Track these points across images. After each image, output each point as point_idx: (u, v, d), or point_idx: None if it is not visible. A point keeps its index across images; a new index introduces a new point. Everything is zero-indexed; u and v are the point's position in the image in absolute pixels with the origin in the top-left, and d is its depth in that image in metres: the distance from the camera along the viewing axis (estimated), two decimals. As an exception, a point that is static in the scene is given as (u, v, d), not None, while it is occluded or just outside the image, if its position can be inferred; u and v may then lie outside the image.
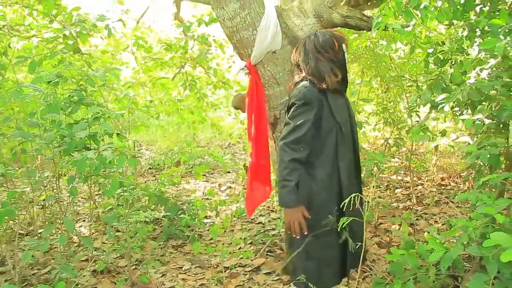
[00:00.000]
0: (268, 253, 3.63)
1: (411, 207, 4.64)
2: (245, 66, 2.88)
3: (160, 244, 3.94)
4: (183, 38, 5.24)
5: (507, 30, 2.66)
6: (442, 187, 5.44)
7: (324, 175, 2.35)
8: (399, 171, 5.82)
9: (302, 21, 2.93)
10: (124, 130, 4.01)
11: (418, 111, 4.11)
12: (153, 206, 4.23)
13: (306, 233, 2.35)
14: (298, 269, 2.45)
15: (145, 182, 5.32)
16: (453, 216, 4.38)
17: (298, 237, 2.35)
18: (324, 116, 2.31)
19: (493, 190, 3.30)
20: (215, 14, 2.90)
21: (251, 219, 4.52)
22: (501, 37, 2.96)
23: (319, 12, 2.93)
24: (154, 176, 6.61)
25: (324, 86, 2.31)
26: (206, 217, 4.63)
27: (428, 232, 3.64)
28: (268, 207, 4.85)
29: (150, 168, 7.02)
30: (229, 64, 5.99)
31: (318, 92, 2.31)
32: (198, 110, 6.50)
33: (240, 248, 3.83)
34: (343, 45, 2.38)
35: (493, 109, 3.09)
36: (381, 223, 4.22)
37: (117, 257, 3.64)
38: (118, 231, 3.89)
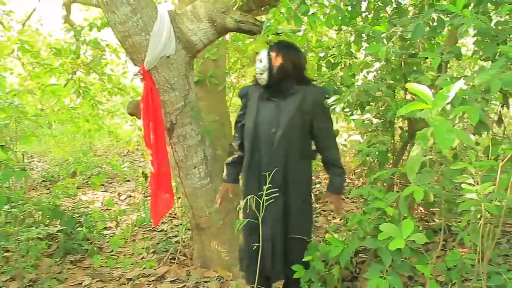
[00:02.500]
0: (172, 261, 3.57)
1: (343, 197, 4.80)
2: (138, 72, 2.82)
3: (56, 261, 3.72)
4: (74, 42, 5.00)
5: (388, 36, 2.86)
6: (339, 184, 5.70)
7: (246, 165, 2.62)
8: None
9: (196, 25, 2.93)
10: (11, 141, 3.74)
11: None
12: (48, 221, 3.99)
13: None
14: None
15: (38, 195, 5.01)
16: (349, 211, 4.62)
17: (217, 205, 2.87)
18: (247, 112, 2.59)
19: (384, 184, 3.51)
20: (106, 18, 2.81)
21: (153, 227, 4.43)
22: (385, 41, 3.18)
23: (212, 17, 2.95)
24: (48, 189, 6.25)
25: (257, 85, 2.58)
26: (105, 228, 4.45)
27: (327, 231, 3.81)
28: (170, 213, 4.78)
29: (43, 181, 6.63)
30: (125, 70, 5.82)
31: (249, 90, 2.63)
32: (93, 117, 6.25)
33: (142, 258, 3.74)
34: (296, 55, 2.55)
35: (379, 109, 3.30)
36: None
37: (7, 279, 3.37)
38: (7, 251, 3.61)
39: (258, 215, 2.28)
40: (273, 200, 2.27)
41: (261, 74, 2.53)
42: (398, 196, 2.31)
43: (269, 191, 2.24)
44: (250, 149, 2.55)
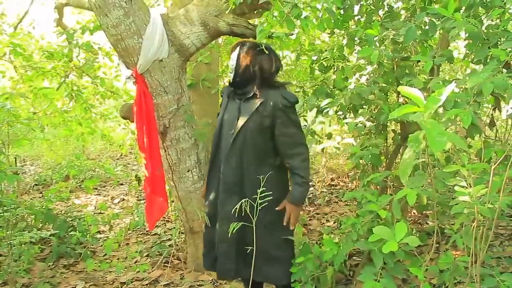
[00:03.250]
0: (165, 264, 3.56)
1: (303, 208, 4.81)
2: (131, 75, 2.81)
3: (49, 265, 3.70)
4: (66, 45, 4.99)
5: (381, 39, 2.87)
6: (332, 187, 5.72)
7: (209, 163, 2.63)
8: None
9: (189, 29, 2.93)
10: (3, 145, 3.72)
11: (306, 116, 4.29)
12: (41, 225, 3.97)
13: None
14: None
15: (31, 199, 4.98)
16: (342, 214, 4.63)
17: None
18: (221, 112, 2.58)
19: (377, 187, 3.52)
20: (99, 21, 2.80)
21: (146, 231, 4.42)
22: (377, 44, 3.20)
23: (205, 20, 2.95)
24: (41, 192, 6.21)
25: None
26: (99, 232, 4.44)
27: (321, 233, 3.81)
28: (164, 217, 4.76)
29: (36, 185, 6.59)
30: (118, 73, 5.80)
31: (226, 90, 2.63)
32: (86, 121, 6.22)
33: (136, 262, 3.72)
34: (232, 53, 2.52)
35: (372, 112, 3.31)
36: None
37: (0, 284, 3.35)
38: (0, 255, 3.59)
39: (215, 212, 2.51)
40: (227, 199, 2.44)
41: (231, 72, 2.53)
42: (392, 199, 2.32)
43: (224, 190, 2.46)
44: (213, 147, 2.56)
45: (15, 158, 5.65)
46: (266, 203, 2.28)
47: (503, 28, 2.24)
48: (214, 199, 2.55)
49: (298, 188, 2.46)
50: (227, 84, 2.74)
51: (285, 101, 2.40)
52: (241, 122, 2.42)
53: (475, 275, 2.02)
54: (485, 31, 2.31)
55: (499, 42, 2.21)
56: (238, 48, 2.51)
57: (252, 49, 2.48)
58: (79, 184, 6.47)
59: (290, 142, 2.44)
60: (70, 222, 4.10)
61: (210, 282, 3.25)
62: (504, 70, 2.10)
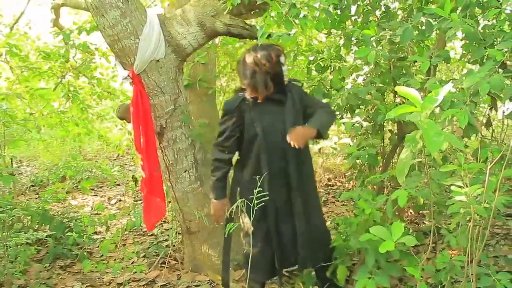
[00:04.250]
0: (162, 265, 3.55)
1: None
2: (128, 76, 2.81)
3: (46, 266, 3.68)
4: (63, 46, 4.97)
5: (378, 40, 2.88)
6: (329, 187, 5.72)
7: (248, 178, 2.55)
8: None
9: (185, 29, 2.93)
10: (-2, 146, 3.71)
11: (303, 115, 4.29)
12: (37, 226, 3.95)
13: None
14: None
15: (27, 200, 4.96)
16: (339, 214, 4.63)
17: (217, 224, 2.79)
18: (245, 124, 2.51)
19: (374, 187, 3.53)
20: (95, 22, 2.80)
21: (143, 232, 4.41)
22: (374, 44, 3.20)
23: (202, 21, 2.95)
24: (37, 193, 6.19)
25: (254, 96, 2.49)
26: (95, 233, 4.43)
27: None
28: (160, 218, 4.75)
29: (32, 186, 6.56)
30: (114, 74, 5.79)
31: (241, 103, 2.51)
32: (83, 121, 6.21)
33: (133, 263, 3.71)
34: (281, 57, 2.48)
35: (369, 112, 3.32)
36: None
37: (-4, 285, 3.35)
38: (-4, 256, 3.58)
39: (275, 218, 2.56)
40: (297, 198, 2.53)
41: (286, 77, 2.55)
42: (387, 199, 2.33)
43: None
44: (259, 158, 2.51)
45: (11, 159, 5.64)
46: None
47: (499, 29, 2.25)
48: (279, 203, 2.56)
49: (325, 116, 2.57)
50: (222, 83, 2.73)
51: (300, 84, 2.69)
52: (290, 124, 2.45)
53: (471, 274, 2.03)
54: (482, 31, 2.31)
55: (495, 43, 2.22)
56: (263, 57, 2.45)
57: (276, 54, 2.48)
58: (75, 185, 6.45)
59: (317, 101, 2.77)
60: (67, 223, 4.09)
61: (207, 283, 3.25)
62: (500, 70, 2.11)
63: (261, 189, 2.29)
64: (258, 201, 2.27)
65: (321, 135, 2.45)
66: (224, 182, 2.66)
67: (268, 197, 2.34)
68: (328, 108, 2.71)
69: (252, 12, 3.27)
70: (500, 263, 3.04)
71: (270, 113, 2.51)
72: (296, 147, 2.31)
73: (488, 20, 2.45)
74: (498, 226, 3.74)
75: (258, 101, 2.50)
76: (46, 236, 3.63)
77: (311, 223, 2.59)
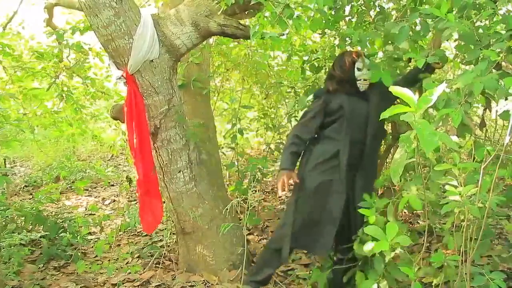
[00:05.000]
0: (157, 265, 3.54)
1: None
2: (122, 76, 2.80)
3: (39, 267, 3.66)
4: (56, 46, 4.94)
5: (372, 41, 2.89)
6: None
7: (322, 154, 2.75)
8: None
9: (179, 29, 2.92)
10: (-9, 146, 3.69)
11: (297, 116, 4.29)
12: (31, 226, 3.93)
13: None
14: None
15: (20, 201, 4.94)
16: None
17: (280, 193, 2.88)
18: (331, 108, 2.74)
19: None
20: (89, 22, 2.79)
21: (138, 232, 4.40)
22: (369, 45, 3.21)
23: (196, 21, 2.94)
24: (31, 194, 6.16)
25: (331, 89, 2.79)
26: (89, 233, 4.40)
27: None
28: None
29: (26, 186, 6.53)
30: (108, 73, 5.76)
31: (328, 92, 2.81)
32: (77, 122, 6.18)
33: (127, 263, 3.70)
34: (357, 63, 2.75)
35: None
36: (267, 226, 4.33)
37: (-11, 286, 3.33)
38: (-11, 257, 3.55)
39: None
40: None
41: (365, 80, 2.75)
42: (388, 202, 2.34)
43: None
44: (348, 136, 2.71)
45: (5, 159, 5.62)
46: None
47: (494, 30, 2.26)
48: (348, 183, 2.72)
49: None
50: (216, 84, 2.80)
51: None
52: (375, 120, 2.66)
53: (465, 273, 2.04)
54: (477, 32, 2.32)
55: (490, 44, 2.23)
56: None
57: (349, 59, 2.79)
58: (69, 185, 6.42)
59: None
60: (61, 223, 4.07)
61: (202, 283, 3.24)
62: (494, 71, 2.11)
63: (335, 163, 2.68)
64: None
65: None
66: (296, 157, 2.80)
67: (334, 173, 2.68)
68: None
69: (246, 12, 3.26)
70: (493, 262, 3.05)
71: (355, 101, 2.73)
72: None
73: (481, 21, 2.45)
74: (491, 225, 3.75)
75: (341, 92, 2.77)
76: (40, 237, 3.61)
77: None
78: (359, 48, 2.91)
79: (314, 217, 2.74)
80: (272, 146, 4.58)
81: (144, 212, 3.11)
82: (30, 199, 5.65)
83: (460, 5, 2.32)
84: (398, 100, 2.66)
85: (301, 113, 3.45)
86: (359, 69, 2.74)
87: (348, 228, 2.74)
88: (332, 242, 2.76)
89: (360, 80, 2.74)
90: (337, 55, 2.94)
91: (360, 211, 2.41)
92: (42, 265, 3.72)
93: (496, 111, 2.13)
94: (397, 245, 2.07)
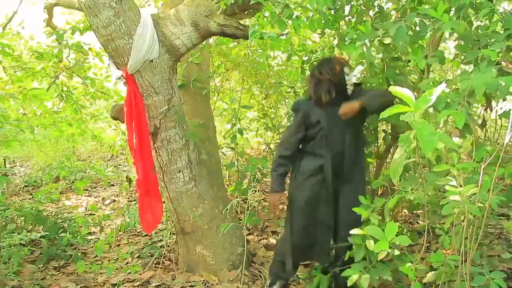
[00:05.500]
0: (157, 265, 3.54)
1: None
2: (122, 76, 2.80)
3: (39, 267, 3.66)
4: (56, 46, 4.94)
5: (371, 39, 2.88)
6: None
7: (307, 170, 2.79)
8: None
9: (179, 29, 2.92)
10: (-9, 146, 3.69)
11: (297, 116, 4.29)
12: (30, 226, 3.93)
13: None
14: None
15: (20, 201, 4.94)
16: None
17: (272, 216, 3.02)
18: (311, 122, 2.76)
19: (369, 187, 3.53)
20: (89, 22, 2.79)
21: (138, 232, 4.40)
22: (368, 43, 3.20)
23: (196, 21, 2.94)
24: (30, 194, 6.16)
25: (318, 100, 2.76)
26: (89, 233, 4.41)
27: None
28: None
29: (26, 186, 6.53)
30: (108, 73, 5.76)
31: (308, 103, 2.82)
32: (77, 122, 6.18)
33: (127, 263, 3.70)
34: (345, 68, 2.77)
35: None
36: (267, 226, 4.33)
37: (-11, 286, 3.32)
38: (-11, 258, 3.55)
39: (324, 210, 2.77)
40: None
41: (351, 85, 2.80)
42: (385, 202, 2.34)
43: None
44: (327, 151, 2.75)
45: (4, 159, 5.61)
46: None
47: (492, 30, 2.26)
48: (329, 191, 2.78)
49: (374, 92, 2.95)
50: (216, 84, 2.81)
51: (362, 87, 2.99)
52: (351, 126, 2.76)
53: (465, 273, 2.04)
54: (475, 32, 2.32)
55: (488, 43, 2.23)
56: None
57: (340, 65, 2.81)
58: (69, 185, 6.42)
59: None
60: (61, 223, 4.07)
61: (202, 283, 3.24)
62: (494, 71, 2.11)
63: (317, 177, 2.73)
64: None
65: (367, 107, 2.64)
66: (284, 177, 2.87)
67: (321, 186, 2.73)
68: (382, 90, 2.90)
69: (246, 12, 3.26)
70: (493, 262, 3.05)
71: (333, 113, 2.68)
72: (343, 118, 2.61)
73: (481, 21, 2.45)
74: (491, 225, 3.75)
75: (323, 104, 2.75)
76: (40, 237, 3.61)
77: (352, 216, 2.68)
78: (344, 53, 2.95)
79: (309, 230, 2.82)
80: (272, 146, 4.58)
81: (143, 212, 3.12)
82: (30, 199, 5.65)
83: (458, 5, 2.32)
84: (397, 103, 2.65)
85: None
86: (346, 74, 2.78)
87: (337, 234, 2.85)
88: (329, 248, 2.87)
89: (347, 85, 2.78)
90: (320, 61, 2.94)
91: (355, 209, 2.45)
92: (42, 265, 3.72)
93: (496, 111, 2.13)
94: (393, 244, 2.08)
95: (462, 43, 2.40)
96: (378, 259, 2.24)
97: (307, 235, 2.83)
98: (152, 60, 2.84)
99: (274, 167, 2.86)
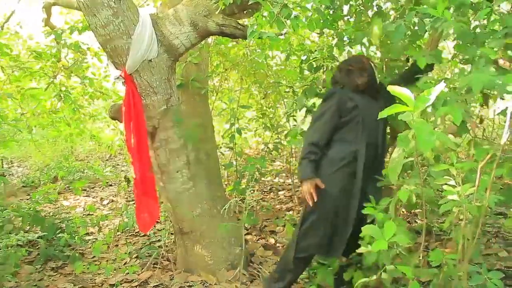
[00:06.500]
0: (155, 266, 3.54)
1: (293, 208, 4.82)
2: (120, 75, 2.79)
3: (37, 268, 3.65)
4: (54, 46, 4.94)
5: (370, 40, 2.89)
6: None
7: (338, 158, 2.68)
8: (281, 174, 6.02)
9: (178, 29, 2.92)
10: (-12, 147, 3.68)
11: (295, 116, 4.29)
12: (28, 227, 3.92)
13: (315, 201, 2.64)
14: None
15: (18, 201, 4.92)
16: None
17: (311, 203, 2.63)
18: (347, 108, 2.68)
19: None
20: (87, 21, 2.78)
21: (136, 232, 4.39)
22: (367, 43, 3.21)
23: (194, 21, 2.94)
24: (28, 194, 6.15)
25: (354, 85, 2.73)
26: (87, 234, 4.40)
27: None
28: (153, 218, 4.73)
29: (23, 186, 6.53)
30: (107, 73, 5.75)
31: (342, 90, 2.76)
32: (75, 122, 6.17)
33: (125, 263, 3.69)
34: (370, 63, 2.78)
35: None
36: (265, 226, 4.33)
37: (-14, 288, 3.31)
38: (-14, 258, 3.54)
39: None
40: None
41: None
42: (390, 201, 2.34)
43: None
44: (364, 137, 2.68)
45: (2, 159, 5.60)
46: None
47: (491, 29, 2.27)
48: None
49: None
50: (214, 83, 2.76)
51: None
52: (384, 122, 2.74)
53: (463, 272, 2.04)
54: (473, 31, 2.32)
55: (486, 42, 2.23)
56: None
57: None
58: (67, 185, 6.41)
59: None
60: (58, 224, 4.06)
61: (200, 283, 3.24)
62: (492, 69, 2.12)
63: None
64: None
65: None
66: (316, 164, 2.68)
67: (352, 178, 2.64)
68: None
69: (245, 12, 3.26)
70: (491, 261, 3.06)
71: (369, 101, 2.70)
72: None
73: (480, 21, 2.46)
74: (489, 224, 3.76)
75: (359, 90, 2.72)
76: (38, 238, 3.60)
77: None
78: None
79: (335, 223, 2.71)
80: (271, 146, 4.58)
81: (140, 211, 3.11)
82: (27, 199, 5.64)
83: (457, 4, 2.32)
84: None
85: (298, 113, 3.45)
86: (375, 67, 2.80)
87: (358, 229, 2.72)
88: (345, 242, 2.72)
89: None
90: (347, 58, 2.98)
91: (366, 209, 2.40)
92: (40, 266, 3.71)
93: (494, 110, 2.13)
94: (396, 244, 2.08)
95: (461, 42, 2.40)
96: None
97: (331, 230, 2.71)
98: (150, 60, 2.83)
99: (304, 155, 2.68)
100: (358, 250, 2.23)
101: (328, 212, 2.68)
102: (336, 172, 2.66)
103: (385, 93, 2.67)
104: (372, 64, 2.78)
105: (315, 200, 2.60)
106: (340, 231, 2.70)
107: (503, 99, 1.86)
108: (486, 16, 2.23)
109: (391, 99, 2.57)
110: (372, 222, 2.39)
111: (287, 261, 2.90)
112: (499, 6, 2.25)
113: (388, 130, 3.55)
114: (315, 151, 2.67)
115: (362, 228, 2.46)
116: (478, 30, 2.35)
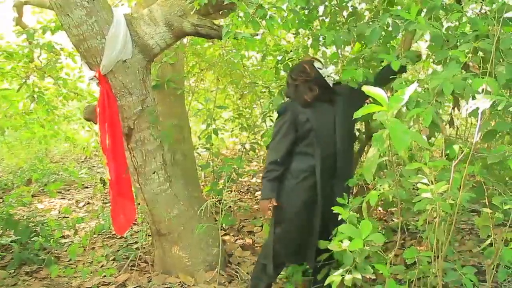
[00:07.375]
0: (132, 268, 3.51)
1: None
2: (94, 76, 2.76)
3: (10, 273, 3.58)
4: (27, 46, 4.85)
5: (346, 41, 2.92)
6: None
7: (299, 171, 2.70)
8: (258, 174, 6.03)
9: (153, 29, 2.90)
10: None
11: (272, 116, 4.30)
12: (1, 231, 3.85)
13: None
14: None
15: (-10, 205, 4.82)
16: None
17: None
18: (299, 123, 2.68)
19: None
20: (60, 21, 2.74)
21: (113, 235, 4.34)
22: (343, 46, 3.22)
23: (169, 21, 2.92)
24: (1, 197, 6.01)
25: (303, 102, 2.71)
26: (63, 237, 4.33)
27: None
28: (130, 220, 4.69)
29: (-4, 190, 6.39)
30: (81, 74, 5.67)
31: (293, 104, 2.74)
32: (49, 123, 6.07)
33: (102, 266, 3.65)
34: (314, 64, 2.77)
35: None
36: (243, 226, 4.33)
37: (-43, 293, 3.24)
38: (-42, 263, 3.47)
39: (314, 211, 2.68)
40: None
41: (328, 76, 2.80)
42: (362, 200, 2.36)
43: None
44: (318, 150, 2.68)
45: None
46: None
47: (461, 31, 2.31)
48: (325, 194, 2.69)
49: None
50: (190, 84, 2.74)
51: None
52: (342, 123, 2.73)
53: (438, 269, 2.07)
54: (445, 33, 2.37)
55: (458, 44, 2.27)
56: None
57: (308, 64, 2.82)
58: (42, 188, 6.30)
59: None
60: (33, 227, 3.98)
61: (178, 285, 3.23)
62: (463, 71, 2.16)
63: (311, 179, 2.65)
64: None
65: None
66: (275, 182, 2.72)
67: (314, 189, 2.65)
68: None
69: (220, 12, 3.26)
70: (465, 257, 3.12)
71: (321, 111, 2.70)
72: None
73: (452, 22, 2.50)
74: (463, 221, 3.84)
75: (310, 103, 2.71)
76: (11, 242, 3.54)
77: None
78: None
79: (301, 233, 2.76)
80: (247, 146, 4.58)
81: (116, 213, 3.09)
82: (0, 202, 5.53)
83: (429, 7, 2.36)
84: (370, 99, 2.68)
85: (274, 113, 3.46)
86: (320, 68, 2.77)
87: (325, 233, 2.73)
88: (315, 250, 2.76)
89: (325, 76, 2.76)
90: (290, 68, 2.99)
91: (334, 209, 2.41)
92: (13, 270, 3.63)
93: (466, 110, 2.18)
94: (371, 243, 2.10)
95: (434, 44, 2.45)
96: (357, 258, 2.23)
97: (297, 240, 2.77)
98: (125, 60, 2.81)
99: (264, 174, 2.74)
100: (329, 246, 2.25)
101: (292, 222, 2.75)
102: (298, 184, 2.70)
103: (344, 89, 2.75)
104: (319, 64, 2.79)
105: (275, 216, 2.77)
106: (310, 242, 2.76)
107: (474, 98, 1.90)
108: (457, 19, 2.28)
109: (354, 94, 2.62)
110: (341, 222, 2.42)
111: (256, 266, 3.03)
112: (468, 7, 2.30)
113: (363, 130, 3.59)
114: (275, 169, 2.71)
115: (333, 229, 2.52)
116: (450, 32, 2.39)
